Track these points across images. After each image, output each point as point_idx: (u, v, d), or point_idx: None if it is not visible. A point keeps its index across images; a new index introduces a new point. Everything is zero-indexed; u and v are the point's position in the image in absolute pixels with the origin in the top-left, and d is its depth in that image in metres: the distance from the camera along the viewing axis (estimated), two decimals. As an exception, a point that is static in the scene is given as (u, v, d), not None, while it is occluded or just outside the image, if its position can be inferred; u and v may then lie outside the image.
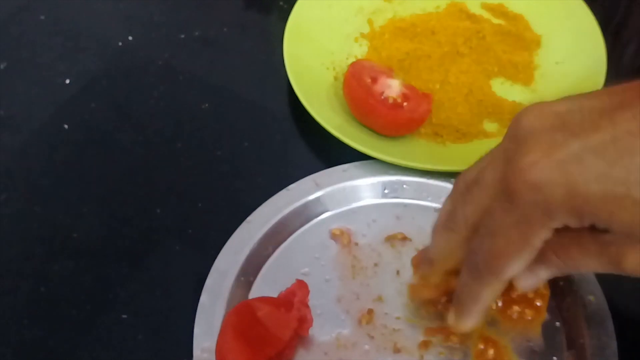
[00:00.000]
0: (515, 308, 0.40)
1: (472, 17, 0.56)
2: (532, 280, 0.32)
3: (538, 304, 0.40)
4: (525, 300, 0.40)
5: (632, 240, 0.28)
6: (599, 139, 0.26)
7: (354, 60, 0.53)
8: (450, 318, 0.36)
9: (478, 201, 0.31)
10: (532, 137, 0.28)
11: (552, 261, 0.31)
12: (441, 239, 0.35)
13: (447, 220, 0.34)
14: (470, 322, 0.34)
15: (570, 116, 0.27)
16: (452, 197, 0.34)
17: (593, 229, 0.28)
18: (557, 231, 0.29)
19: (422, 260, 0.37)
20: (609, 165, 0.26)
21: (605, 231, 0.28)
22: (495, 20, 0.57)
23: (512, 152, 0.28)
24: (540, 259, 0.31)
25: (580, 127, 0.27)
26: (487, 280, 0.32)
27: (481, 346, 0.39)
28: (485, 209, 0.31)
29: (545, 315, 0.40)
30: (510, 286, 0.40)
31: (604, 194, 0.26)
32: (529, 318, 0.39)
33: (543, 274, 0.32)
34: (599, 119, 0.26)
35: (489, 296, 0.33)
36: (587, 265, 0.30)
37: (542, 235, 0.29)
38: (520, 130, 0.28)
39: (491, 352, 0.38)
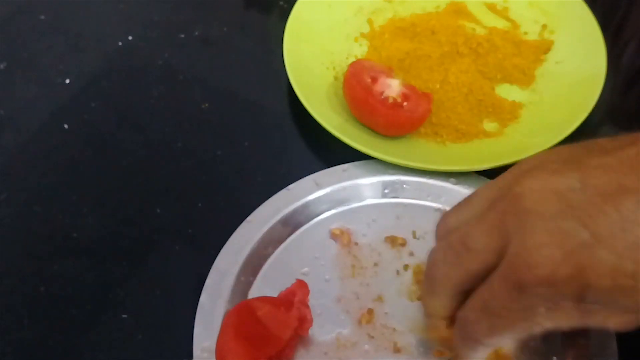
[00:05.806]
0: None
1: (471, 17, 0.57)
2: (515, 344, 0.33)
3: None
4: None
5: (618, 308, 0.28)
6: (608, 229, 0.26)
7: (354, 60, 0.53)
8: None
9: (468, 267, 0.31)
10: (540, 223, 0.27)
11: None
12: (430, 303, 0.34)
13: (430, 284, 0.34)
14: None
15: (574, 197, 0.27)
16: (437, 255, 0.33)
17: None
18: None
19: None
20: (620, 259, 0.26)
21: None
22: (495, 20, 0.57)
23: (517, 234, 0.28)
24: None
25: (586, 214, 0.27)
26: (482, 348, 0.32)
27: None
28: (474, 275, 0.31)
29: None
30: None
31: (614, 286, 0.26)
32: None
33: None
34: (604, 203, 0.26)
35: (482, 356, 0.33)
36: (570, 324, 0.30)
37: (543, 314, 0.29)
38: (522, 210, 0.28)
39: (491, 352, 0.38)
